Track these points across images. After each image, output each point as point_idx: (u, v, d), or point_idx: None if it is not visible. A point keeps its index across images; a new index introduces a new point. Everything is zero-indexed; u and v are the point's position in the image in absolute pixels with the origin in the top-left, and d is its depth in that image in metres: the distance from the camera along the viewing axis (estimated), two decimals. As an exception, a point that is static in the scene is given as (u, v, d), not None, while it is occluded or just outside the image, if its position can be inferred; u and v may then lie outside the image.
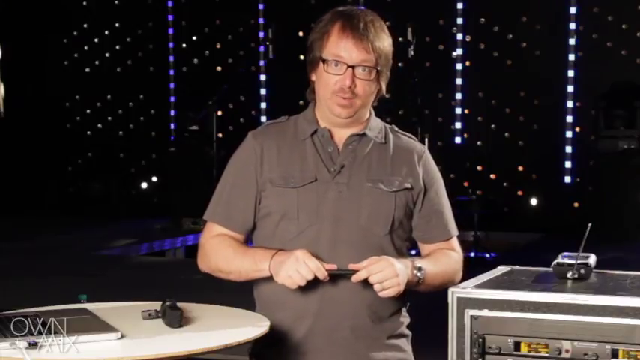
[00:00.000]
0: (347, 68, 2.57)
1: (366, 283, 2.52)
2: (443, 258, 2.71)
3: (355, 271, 2.50)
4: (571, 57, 9.14)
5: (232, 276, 2.65)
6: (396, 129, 2.78)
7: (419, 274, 2.58)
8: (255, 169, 2.67)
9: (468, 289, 2.28)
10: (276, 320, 2.57)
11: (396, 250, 2.65)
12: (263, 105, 10.16)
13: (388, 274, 2.48)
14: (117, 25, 10.72)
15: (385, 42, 2.63)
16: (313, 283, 2.52)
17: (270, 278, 2.58)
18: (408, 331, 2.75)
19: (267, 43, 9.08)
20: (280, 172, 2.65)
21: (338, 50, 2.58)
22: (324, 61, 2.61)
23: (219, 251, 2.67)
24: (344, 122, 2.66)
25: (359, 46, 2.57)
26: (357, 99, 2.60)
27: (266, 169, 2.66)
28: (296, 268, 2.47)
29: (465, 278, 2.44)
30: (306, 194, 2.61)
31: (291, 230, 2.61)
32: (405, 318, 2.74)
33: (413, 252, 2.80)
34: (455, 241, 2.79)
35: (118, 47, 10.75)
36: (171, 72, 10.53)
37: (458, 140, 9.56)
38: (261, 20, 10.09)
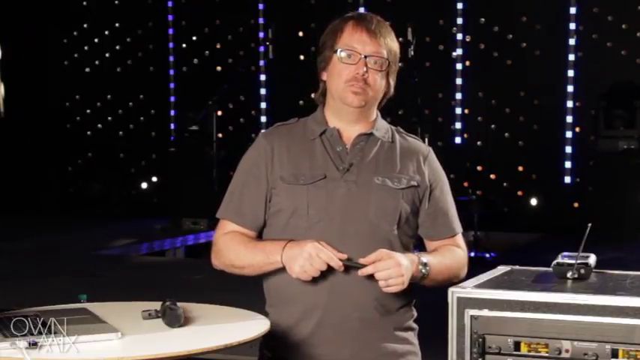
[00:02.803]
0: (360, 58, 2.67)
1: (373, 276, 2.57)
2: (448, 254, 2.76)
3: (364, 265, 2.56)
4: (571, 57, 9.14)
5: (246, 270, 2.70)
6: (402, 130, 2.86)
7: (424, 270, 2.63)
8: (265, 167, 2.74)
9: (468, 289, 2.28)
10: (286, 314, 2.67)
11: (403, 246, 2.70)
12: (263, 105, 10.16)
13: (394, 272, 2.54)
14: (117, 25, 10.72)
15: (394, 42, 2.75)
16: (323, 277, 2.59)
17: (280, 272, 2.64)
18: (415, 325, 2.79)
19: (267, 43, 9.08)
20: (290, 170, 2.71)
21: (352, 41, 2.69)
22: (337, 52, 2.69)
23: (232, 247, 2.72)
24: (354, 117, 2.73)
25: (372, 39, 2.69)
26: (369, 89, 2.69)
27: (277, 167, 2.73)
28: (310, 262, 2.54)
29: (465, 278, 2.44)
30: (316, 191, 2.68)
31: (301, 226, 2.66)
32: (412, 312, 2.79)
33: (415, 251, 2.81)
34: (460, 238, 2.85)
35: (118, 47, 10.75)
36: (171, 72, 10.53)
37: (458, 140, 9.56)
38: (261, 20, 10.09)
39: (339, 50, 2.69)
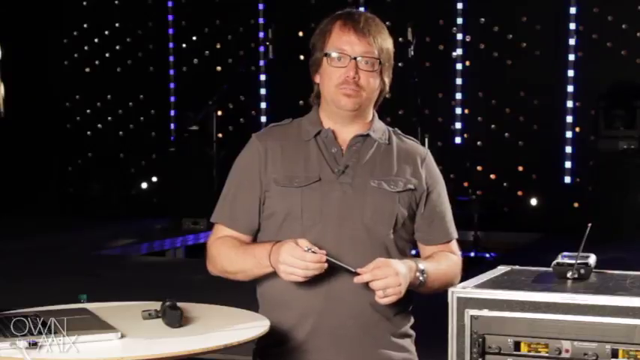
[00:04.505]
0: (350, 60, 2.60)
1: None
2: (444, 260, 2.71)
3: (357, 272, 2.49)
4: (571, 57, 9.15)
5: (240, 276, 2.66)
6: (399, 132, 2.79)
7: (421, 277, 2.58)
8: (259, 169, 2.68)
9: (468, 289, 2.28)
10: (280, 320, 2.59)
11: (399, 251, 2.65)
12: (263, 105, 10.16)
13: (391, 282, 2.47)
14: (117, 25, 10.72)
15: (386, 39, 2.67)
16: (318, 282, 2.53)
17: (273, 277, 2.58)
18: (412, 332, 2.75)
19: (267, 43, 9.09)
20: (284, 172, 2.65)
21: (340, 44, 2.62)
22: (327, 55, 2.63)
23: (223, 253, 2.67)
24: (349, 118, 2.67)
25: (361, 39, 2.61)
26: (361, 91, 2.62)
27: (270, 169, 2.66)
28: (291, 271, 2.47)
29: (465, 278, 2.44)
30: (310, 194, 2.61)
31: (296, 230, 2.59)
32: (410, 318, 2.74)
33: (413, 252, 2.79)
34: (455, 245, 2.79)
35: (118, 47, 10.75)
36: (172, 72, 10.53)
37: (458, 140, 9.56)
38: (261, 20, 10.09)
39: (328, 53, 2.62)
